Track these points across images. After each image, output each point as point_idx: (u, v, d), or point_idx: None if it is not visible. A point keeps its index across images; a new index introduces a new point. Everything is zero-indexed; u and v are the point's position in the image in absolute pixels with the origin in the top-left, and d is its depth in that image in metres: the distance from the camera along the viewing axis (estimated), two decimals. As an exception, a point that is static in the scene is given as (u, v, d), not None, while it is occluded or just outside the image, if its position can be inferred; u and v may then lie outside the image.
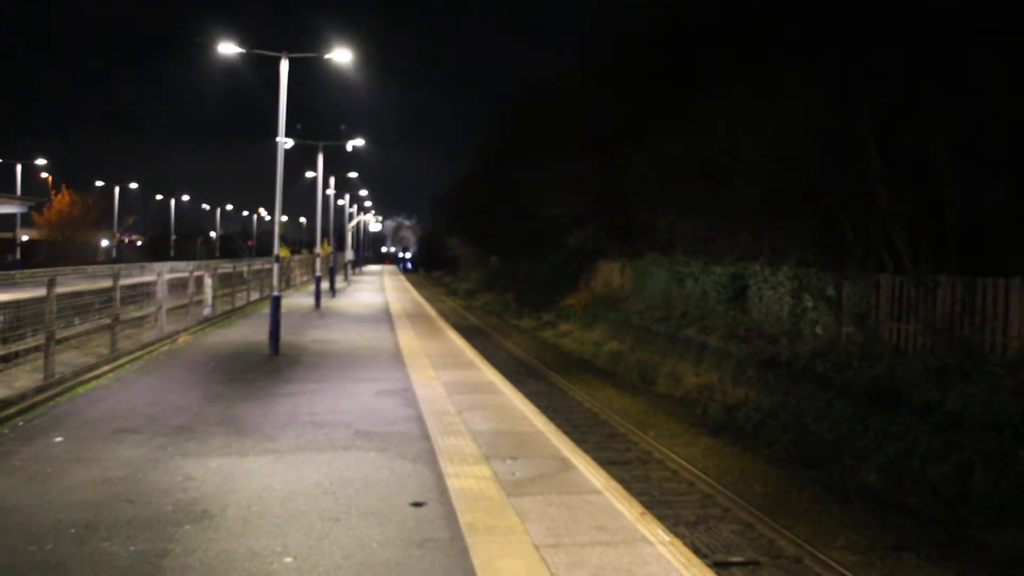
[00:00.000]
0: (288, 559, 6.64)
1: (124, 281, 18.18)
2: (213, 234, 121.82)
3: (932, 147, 17.98)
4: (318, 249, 43.64)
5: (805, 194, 21.97)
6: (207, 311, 25.51)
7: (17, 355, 14.08)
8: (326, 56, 23.37)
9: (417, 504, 8.04)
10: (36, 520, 7.41)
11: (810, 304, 21.84)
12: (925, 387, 16.16)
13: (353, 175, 68.68)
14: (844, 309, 20.58)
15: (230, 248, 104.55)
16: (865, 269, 20.10)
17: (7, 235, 66.19)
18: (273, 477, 8.87)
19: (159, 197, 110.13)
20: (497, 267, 66.39)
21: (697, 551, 10.69)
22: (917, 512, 13.09)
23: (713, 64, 27.58)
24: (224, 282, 28.75)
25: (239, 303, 30.54)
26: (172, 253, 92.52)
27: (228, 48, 21.81)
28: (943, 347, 17.20)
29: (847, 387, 17.84)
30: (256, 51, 21.90)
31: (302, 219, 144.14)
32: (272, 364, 17.65)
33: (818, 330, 21.33)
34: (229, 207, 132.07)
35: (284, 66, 21.37)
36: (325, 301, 36.83)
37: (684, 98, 28.66)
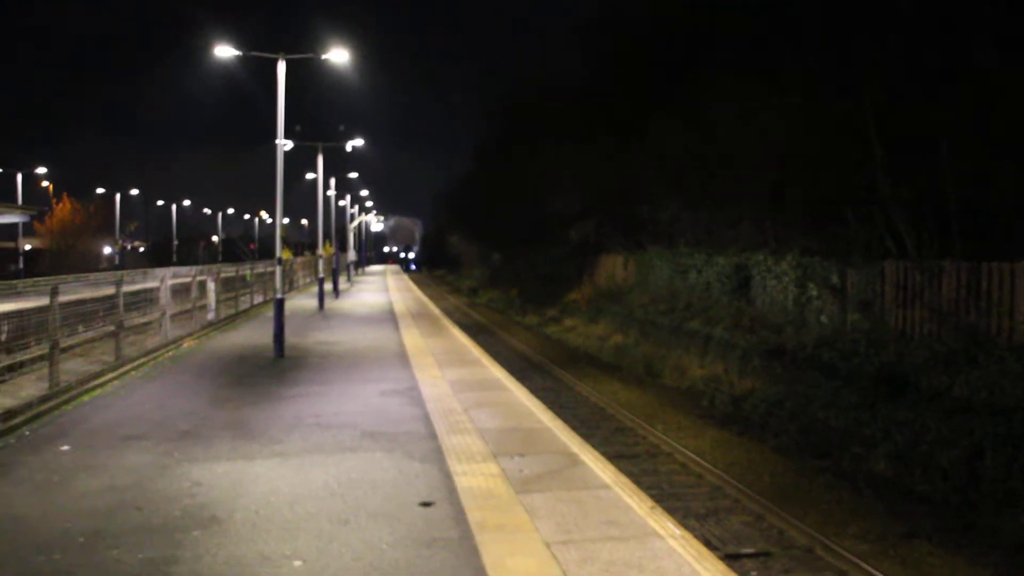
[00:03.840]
0: (298, 563, 6.61)
1: (127, 288, 18.16)
2: (215, 238, 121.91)
3: (933, 132, 17.89)
4: (320, 251, 43.58)
5: (807, 183, 21.90)
6: (211, 315, 25.49)
7: (22, 365, 14.08)
8: (323, 57, 23.32)
9: (426, 504, 8.01)
10: (44, 529, 7.39)
11: (814, 293, 21.78)
12: (932, 373, 16.10)
13: (354, 175, 68.61)
14: (848, 297, 20.52)
15: (233, 252, 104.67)
16: (869, 256, 20.03)
17: (9, 245, 66.27)
18: (281, 480, 8.84)
19: (161, 203, 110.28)
20: (500, 264, 66.39)
21: (708, 543, 10.65)
22: (928, 498, 13.05)
23: (714, 55, 27.49)
24: (227, 286, 28.76)
25: (243, 306, 30.52)
26: (175, 258, 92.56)
27: (225, 51, 21.76)
28: (949, 332, 17.14)
29: (853, 375, 17.79)
30: (253, 53, 21.86)
31: (304, 221, 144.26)
32: (277, 367, 17.63)
33: (823, 318, 21.27)
34: (231, 211, 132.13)
35: (281, 67, 21.32)
36: (328, 302, 36.81)
37: (685, 90, 28.57)
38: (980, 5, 17.56)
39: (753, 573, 10.33)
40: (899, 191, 19.06)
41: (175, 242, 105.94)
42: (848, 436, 15.86)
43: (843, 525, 12.09)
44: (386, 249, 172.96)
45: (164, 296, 20.47)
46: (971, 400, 14.65)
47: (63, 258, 63.98)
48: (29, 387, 13.30)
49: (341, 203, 73.76)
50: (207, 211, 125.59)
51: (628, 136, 33.79)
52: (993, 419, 13.77)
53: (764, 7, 24.96)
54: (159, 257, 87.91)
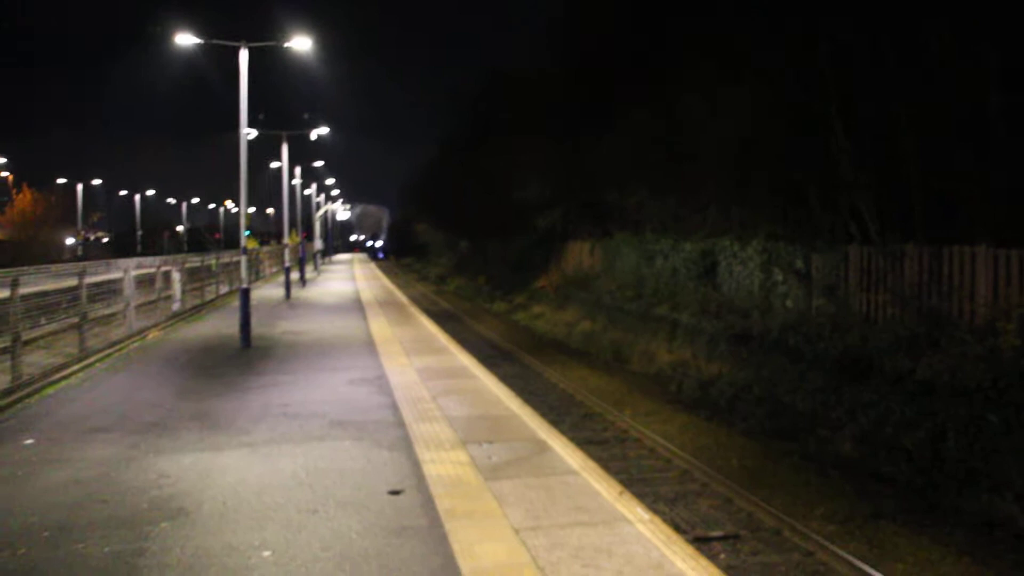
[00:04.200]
0: (266, 553, 6.58)
1: (90, 279, 17.95)
2: (180, 228, 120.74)
3: (894, 117, 18.06)
4: (286, 240, 43.33)
5: (772, 168, 22.03)
6: (176, 306, 25.26)
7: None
8: (286, 45, 23.14)
9: (394, 492, 8.00)
10: (8, 524, 7.30)
11: (780, 278, 21.95)
12: (896, 356, 16.28)
13: (319, 164, 68.22)
14: (814, 281, 20.69)
15: (198, 242, 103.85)
16: (833, 241, 20.21)
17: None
18: (249, 471, 8.80)
19: (124, 193, 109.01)
20: (467, 251, 66.32)
21: (677, 527, 10.74)
22: (893, 480, 13.22)
23: (677, 43, 27.52)
24: (193, 276, 28.50)
25: (209, 297, 30.29)
26: (139, 249, 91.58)
27: (186, 39, 21.52)
28: (912, 316, 17.34)
29: (819, 358, 17.95)
30: (214, 41, 21.63)
31: (270, 210, 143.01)
32: (244, 357, 17.52)
33: (788, 303, 21.44)
34: (195, 200, 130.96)
35: (244, 56, 21.12)
36: (295, 291, 36.62)
37: (651, 79, 28.61)
38: None
39: (722, 555, 10.42)
40: (862, 177, 19.22)
41: (139, 232, 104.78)
42: (814, 419, 16.02)
43: (810, 507, 12.22)
44: (353, 238, 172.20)
45: (128, 287, 20.25)
46: (934, 383, 14.83)
47: (25, 249, 63.00)
48: (-9, 380, 13.11)
49: (307, 192, 73.39)
50: (171, 201, 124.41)
51: (595, 125, 33.81)
52: (955, 401, 13.96)
53: None
54: (123, 248, 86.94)
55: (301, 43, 23.13)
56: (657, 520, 7.31)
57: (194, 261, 30.09)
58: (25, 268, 15.70)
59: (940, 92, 17.26)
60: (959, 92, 16.92)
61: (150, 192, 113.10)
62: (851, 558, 10.16)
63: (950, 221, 17.62)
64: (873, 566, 9.97)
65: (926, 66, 17.43)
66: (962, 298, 16.49)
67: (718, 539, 10.94)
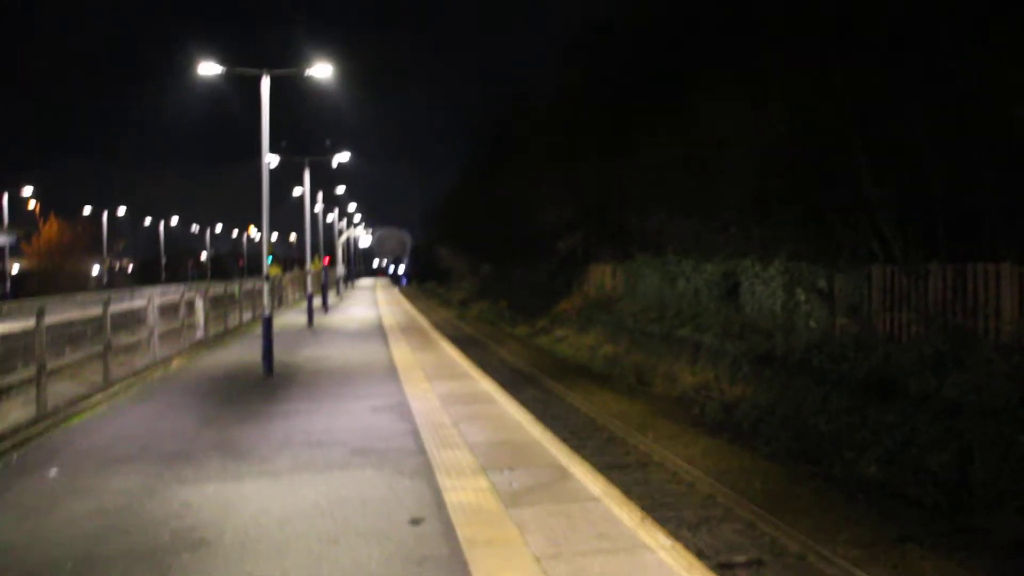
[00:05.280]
0: (287, 583, 6.58)
1: (115, 308, 18.11)
2: (204, 255, 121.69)
3: (916, 136, 17.97)
4: (309, 266, 43.55)
5: (793, 188, 21.97)
6: (200, 334, 25.43)
7: (10, 388, 14.00)
8: (306, 72, 23.34)
9: (415, 521, 7.99)
10: (32, 557, 7.33)
11: (802, 298, 21.84)
12: (921, 375, 16.15)
13: (342, 189, 68.57)
14: (836, 301, 20.58)
15: (222, 269, 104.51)
16: (855, 260, 20.10)
17: (-2, 267, 66.06)
18: (270, 500, 8.81)
19: (148, 221, 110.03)
20: (489, 275, 66.39)
21: (700, 553, 10.65)
22: (919, 502, 13.07)
23: (699, 65, 27.58)
24: (216, 304, 28.68)
25: (232, 324, 30.46)
26: (163, 276, 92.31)
27: (209, 68, 21.75)
28: (937, 334, 17.19)
29: (843, 379, 17.83)
30: (237, 69, 21.85)
31: (292, 236, 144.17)
32: (267, 385, 17.58)
33: (811, 323, 21.32)
34: (219, 227, 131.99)
35: (265, 83, 21.31)
36: (318, 318, 36.76)
37: (671, 101, 28.66)
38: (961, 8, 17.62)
39: (746, 581, 10.33)
40: (884, 196, 19.13)
41: (163, 260, 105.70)
42: (839, 441, 15.88)
43: (835, 531, 12.09)
44: (375, 263, 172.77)
45: (152, 316, 20.41)
46: (959, 402, 14.70)
47: (51, 279, 63.80)
48: (16, 411, 13.21)
49: (329, 218, 73.77)
50: (195, 227, 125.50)
51: (615, 148, 33.87)
52: (982, 421, 13.82)
53: (746, 17, 25.02)
54: (147, 275, 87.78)
55: (322, 70, 23.34)
56: (679, 547, 7.25)
57: (217, 289, 30.31)
58: (50, 298, 15.88)
59: (963, 108, 17.18)
60: (982, 106, 16.83)
61: (174, 220, 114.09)
62: (878, 583, 10.03)
63: (974, 239, 17.51)
64: (900, 591, 9.84)
65: (948, 82, 17.37)
66: (987, 316, 16.36)
67: (741, 565, 10.85)
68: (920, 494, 13.23)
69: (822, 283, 21.05)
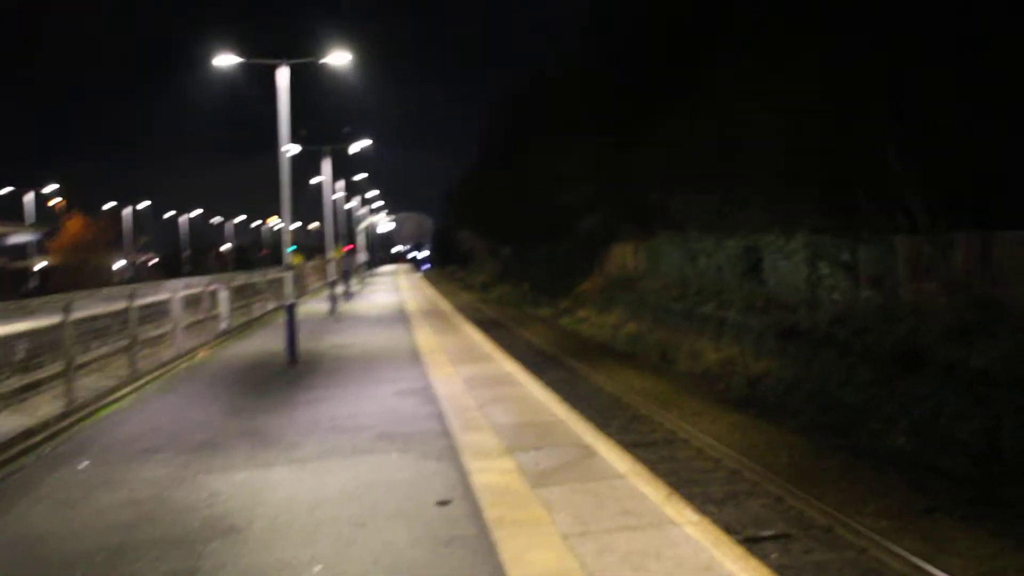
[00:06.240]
0: (317, 567, 6.64)
1: (139, 301, 18.24)
2: (226, 246, 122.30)
3: (943, 104, 17.70)
4: (330, 254, 43.67)
5: (817, 161, 21.77)
6: (224, 324, 25.58)
7: (39, 383, 14.14)
8: (323, 60, 23.37)
9: (443, 503, 8.02)
10: (66, 547, 7.43)
11: (826, 271, 21.71)
12: (948, 346, 16.04)
13: (361, 176, 68.69)
14: (860, 273, 20.45)
15: (244, 259, 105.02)
16: (879, 232, 19.93)
17: (23, 264, 66.67)
18: (298, 486, 8.87)
19: (170, 214, 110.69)
20: (510, 258, 66.36)
21: (728, 528, 10.62)
22: (948, 473, 13.00)
23: (720, 38, 27.29)
24: (239, 294, 28.84)
25: (256, 314, 30.62)
26: (187, 269, 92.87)
27: (226, 59, 21.82)
28: (963, 304, 17.05)
29: (869, 351, 17.73)
30: (254, 60, 21.93)
31: (314, 224, 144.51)
32: (291, 372, 17.68)
33: (835, 296, 21.21)
34: (242, 218, 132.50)
35: (283, 73, 21.36)
36: (340, 305, 36.86)
37: (693, 76, 28.41)
38: None
39: (774, 555, 10.32)
40: (910, 165, 18.92)
41: (187, 252, 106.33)
42: (865, 413, 15.82)
43: (863, 503, 12.06)
44: (396, 249, 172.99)
45: (176, 308, 20.55)
46: (987, 372, 14.59)
47: (76, 274, 64.31)
48: (46, 405, 13.35)
49: (350, 205, 73.93)
50: (218, 219, 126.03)
51: (636, 125, 33.66)
52: (1010, 390, 13.71)
53: None
54: (171, 268, 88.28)
55: (339, 58, 23.36)
56: (706, 522, 7.25)
57: (240, 279, 30.45)
58: (76, 293, 16.02)
59: (991, 74, 16.92)
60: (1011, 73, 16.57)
61: (196, 212, 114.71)
62: (906, 554, 10.00)
63: (1000, 207, 17.30)
64: (929, 561, 9.80)
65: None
66: (1014, 284, 16.19)
67: (769, 539, 10.84)
68: (949, 465, 13.16)
69: (846, 255, 20.91)
